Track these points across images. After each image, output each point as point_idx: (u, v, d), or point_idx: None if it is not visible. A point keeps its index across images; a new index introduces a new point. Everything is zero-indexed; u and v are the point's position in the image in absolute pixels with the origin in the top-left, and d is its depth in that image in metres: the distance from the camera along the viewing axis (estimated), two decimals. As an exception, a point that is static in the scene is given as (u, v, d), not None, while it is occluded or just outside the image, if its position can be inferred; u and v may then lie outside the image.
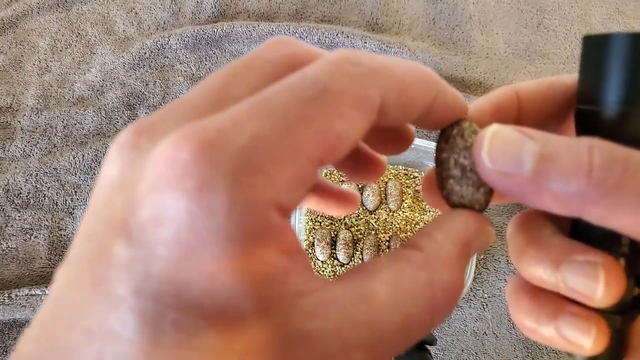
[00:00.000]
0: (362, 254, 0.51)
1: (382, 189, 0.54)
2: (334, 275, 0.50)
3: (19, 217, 0.54)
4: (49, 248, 0.52)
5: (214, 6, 0.66)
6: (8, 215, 0.54)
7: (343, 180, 0.55)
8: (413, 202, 0.54)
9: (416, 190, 0.55)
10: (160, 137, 0.08)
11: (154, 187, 0.08)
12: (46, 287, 0.48)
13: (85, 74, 0.63)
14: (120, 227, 0.08)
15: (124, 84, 0.62)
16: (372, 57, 0.10)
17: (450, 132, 0.12)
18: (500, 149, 0.11)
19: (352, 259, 0.51)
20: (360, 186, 0.54)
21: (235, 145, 0.08)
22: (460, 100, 0.12)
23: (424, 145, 0.51)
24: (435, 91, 0.11)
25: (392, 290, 0.09)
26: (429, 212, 0.54)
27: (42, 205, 0.54)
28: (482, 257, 0.54)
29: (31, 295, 0.48)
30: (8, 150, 0.58)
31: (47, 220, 0.54)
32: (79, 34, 0.65)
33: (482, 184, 0.12)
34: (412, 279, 0.10)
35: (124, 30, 0.66)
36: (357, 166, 0.14)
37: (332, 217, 0.53)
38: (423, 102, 0.11)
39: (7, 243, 0.52)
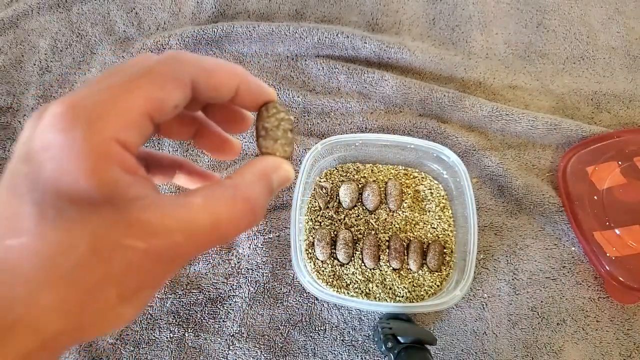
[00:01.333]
0: (362, 254, 0.51)
1: (382, 189, 0.54)
2: (333, 275, 0.50)
3: (20, 217, 0.54)
4: (49, 248, 0.53)
5: (214, 6, 0.66)
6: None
7: (343, 180, 0.55)
8: (413, 202, 0.54)
9: (416, 190, 0.55)
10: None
11: (42, 129, 0.13)
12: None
13: (85, 74, 0.63)
14: (24, 156, 0.13)
15: (124, 84, 0.62)
16: (191, 55, 0.15)
17: (261, 109, 0.18)
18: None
19: (352, 258, 0.51)
20: (360, 186, 0.54)
21: (87, 105, 0.13)
22: (264, 87, 0.17)
23: (424, 146, 0.51)
24: (238, 79, 0.16)
25: (205, 200, 0.14)
26: (429, 212, 0.54)
27: (43, 205, 0.55)
28: (482, 257, 0.54)
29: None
30: (8, 151, 0.58)
31: (47, 220, 0.54)
32: (79, 34, 0.65)
33: (279, 138, 0.18)
34: (221, 194, 0.15)
35: (124, 31, 0.66)
36: (223, 124, 0.19)
37: (332, 217, 0.53)
38: (228, 86, 0.16)
39: (7, 243, 0.52)
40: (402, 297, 0.49)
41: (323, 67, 0.62)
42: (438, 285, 0.50)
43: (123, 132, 0.13)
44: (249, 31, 0.61)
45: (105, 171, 0.13)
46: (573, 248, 0.55)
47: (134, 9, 0.67)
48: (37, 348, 0.13)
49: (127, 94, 0.14)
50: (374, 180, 0.55)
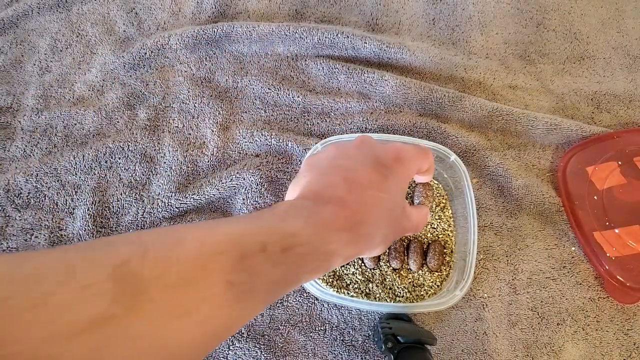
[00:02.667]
0: (362, 254, 0.51)
1: (382, 189, 0.54)
2: (333, 274, 0.50)
3: (20, 217, 0.54)
4: (50, 248, 0.52)
5: (214, 6, 0.66)
6: (8, 216, 0.54)
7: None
8: (412, 203, 0.54)
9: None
10: None
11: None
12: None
13: (85, 74, 0.63)
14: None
15: (124, 84, 0.62)
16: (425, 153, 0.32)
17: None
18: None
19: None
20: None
21: (407, 155, 0.30)
22: (432, 173, 0.34)
23: (424, 146, 0.51)
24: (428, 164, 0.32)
25: (418, 214, 0.33)
26: (429, 212, 0.54)
27: (43, 205, 0.55)
28: (482, 257, 0.54)
29: (31, 295, 0.48)
30: (8, 151, 0.58)
31: (47, 220, 0.54)
32: (79, 34, 0.65)
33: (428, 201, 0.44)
34: (419, 213, 0.33)
35: (124, 31, 0.66)
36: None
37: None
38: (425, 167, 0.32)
39: (7, 243, 0.52)
40: (402, 297, 0.49)
41: (323, 67, 0.62)
42: (438, 286, 0.50)
43: (415, 172, 0.31)
44: (249, 31, 0.61)
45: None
46: (573, 248, 0.55)
47: (134, 9, 0.67)
48: (360, 252, 0.25)
49: (412, 163, 0.30)
50: (374, 180, 0.55)
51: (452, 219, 0.53)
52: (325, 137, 0.53)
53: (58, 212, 0.54)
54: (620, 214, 0.53)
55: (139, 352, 0.16)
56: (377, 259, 0.50)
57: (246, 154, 0.58)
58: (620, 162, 0.55)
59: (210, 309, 0.18)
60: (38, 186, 0.55)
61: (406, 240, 0.52)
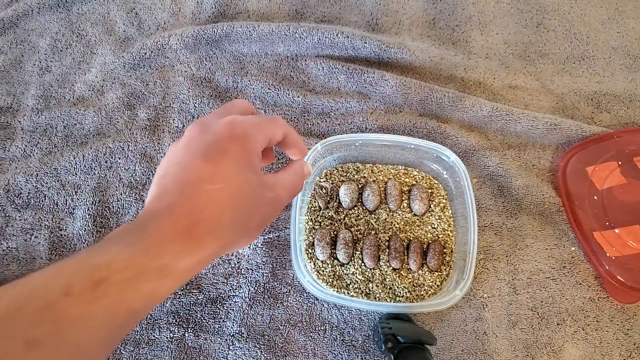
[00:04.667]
0: (362, 254, 0.51)
1: (382, 189, 0.54)
2: (333, 274, 0.50)
3: (20, 217, 0.54)
4: (50, 248, 0.52)
5: (214, 6, 0.66)
6: (8, 215, 0.54)
7: (343, 180, 0.55)
8: (410, 207, 0.54)
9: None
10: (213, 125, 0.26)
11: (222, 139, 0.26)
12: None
13: (85, 74, 0.63)
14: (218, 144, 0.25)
15: (124, 84, 0.62)
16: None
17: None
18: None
19: (352, 258, 0.51)
20: (360, 186, 0.54)
21: (249, 132, 0.26)
22: (300, 142, 0.31)
23: (424, 146, 0.51)
24: (282, 132, 0.29)
25: (287, 175, 0.30)
26: (429, 212, 0.54)
27: (43, 205, 0.55)
28: (482, 257, 0.54)
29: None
30: (8, 151, 0.58)
31: (47, 220, 0.54)
32: (79, 34, 0.65)
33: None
34: (291, 172, 0.30)
35: (124, 31, 0.66)
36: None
37: (332, 217, 0.53)
38: (278, 136, 0.29)
39: (7, 243, 0.52)
40: (402, 297, 0.49)
41: (323, 67, 0.62)
42: (438, 285, 0.50)
43: (260, 146, 0.27)
44: (249, 31, 0.61)
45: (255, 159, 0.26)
46: (573, 248, 0.55)
47: (134, 9, 0.67)
48: (216, 252, 0.23)
49: (263, 128, 0.27)
50: (374, 180, 0.55)
51: (452, 219, 0.53)
52: (325, 137, 0.53)
53: (58, 212, 0.54)
54: (620, 214, 0.53)
55: None
56: (377, 258, 0.50)
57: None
58: (620, 162, 0.55)
59: None
60: (38, 186, 0.55)
61: (406, 240, 0.52)
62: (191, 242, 0.22)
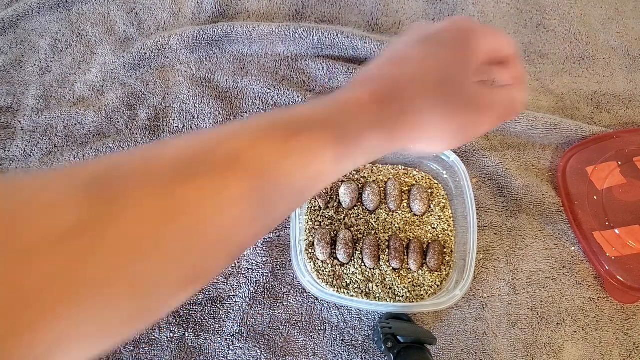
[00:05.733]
0: (362, 254, 0.51)
1: (382, 189, 0.54)
2: (333, 274, 0.50)
3: (20, 217, 0.54)
4: (50, 248, 0.52)
5: (214, 7, 0.66)
6: (8, 215, 0.54)
7: (343, 180, 0.55)
8: (410, 207, 0.54)
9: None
10: None
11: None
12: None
13: (85, 74, 0.63)
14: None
15: (125, 84, 0.62)
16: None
17: None
18: None
19: (352, 258, 0.51)
20: (360, 186, 0.54)
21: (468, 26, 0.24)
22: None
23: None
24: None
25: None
26: (429, 212, 0.54)
27: (43, 205, 0.55)
28: (482, 257, 0.54)
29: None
30: (8, 150, 0.58)
31: (47, 220, 0.54)
32: (80, 34, 0.65)
33: None
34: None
35: (124, 31, 0.66)
36: None
37: (332, 217, 0.53)
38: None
39: (7, 243, 0.52)
40: (402, 297, 0.49)
41: (323, 67, 0.62)
42: (438, 285, 0.50)
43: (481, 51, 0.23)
44: (249, 31, 0.62)
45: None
46: (573, 248, 0.55)
47: (134, 9, 0.67)
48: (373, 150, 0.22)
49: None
50: (373, 180, 0.55)
51: (452, 219, 0.53)
52: (325, 137, 0.53)
53: (58, 212, 0.54)
54: (620, 214, 0.53)
55: (120, 261, 0.14)
56: (377, 258, 0.50)
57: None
58: (620, 162, 0.55)
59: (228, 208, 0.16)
60: (38, 186, 0.55)
61: (406, 240, 0.52)
62: (385, 113, 0.21)
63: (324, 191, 0.54)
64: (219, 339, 0.50)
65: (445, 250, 0.52)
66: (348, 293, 0.49)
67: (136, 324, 0.15)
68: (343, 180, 0.55)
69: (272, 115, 0.20)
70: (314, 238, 0.51)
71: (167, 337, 0.49)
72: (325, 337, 0.50)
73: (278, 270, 0.52)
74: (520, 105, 0.25)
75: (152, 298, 0.16)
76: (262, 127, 0.19)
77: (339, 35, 0.61)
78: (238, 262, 0.53)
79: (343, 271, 0.50)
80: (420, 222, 0.53)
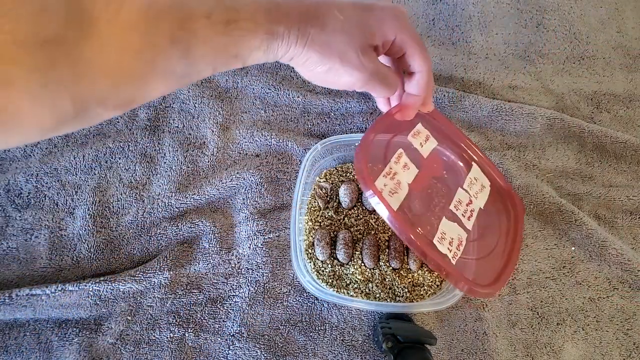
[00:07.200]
0: (361, 254, 0.51)
1: (382, 189, 0.54)
2: (333, 274, 0.50)
3: (20, 217, 0.54)
4: (50, 248, 0.53)
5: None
6: (9, 215, 0.54)
7: (343, 180, 0.55)
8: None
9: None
10: None
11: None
12: (47, 287, 0.48)
13: (85, 74, 0.63)
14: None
15: (124, 84, 0.62)
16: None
17: None
18: None
19: (352, 258, 0.51)
20: (360, 186, 0.54)
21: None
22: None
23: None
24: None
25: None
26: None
27: (43, 205, 0.55)
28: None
29: (32, 295, 0.48)
30: (8, 150, 0.58)
31: (47, 220, 0.54)
32: (80, 34, 0.65)
33: None
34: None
35: (124, 31, 0.66)
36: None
37: (332, 217, 0.53)
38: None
39: (7, 243, 0.53)
40: (402, 297, 0.49)
41: (323, 67, 0.62)
42: (438, 285, 0.50)
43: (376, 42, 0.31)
44: (249, 31, 0.61)
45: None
46: (573, 248, 0.55)
47: (134, 9, 0.67)
48: (292, 51, 0.28)
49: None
50: (373, 180, 0.55)
51: (452, 219, 0.53)
52: (325, 137, 0.53)
53: (58, 212, 0.54)
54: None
55: (86, 72, 0.19)
56: (377, 258, 0.50)
57: (246, 154, 0.58)
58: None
59: (154, 54, 0.22)
60: (38, 186, 0.55)
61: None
62: (305, 22, 0.27)
63: (324, 191, 0.54)
64: (219, 339, 0.50)
65: (445, 250, 0.52)
66: (348, 293, 0.49)
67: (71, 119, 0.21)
68: (343, 181, 0.55)
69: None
70: (313, 238, 0.51)
71: (167, 337, 0.49)
72: (325, 337, 0.50)
73: (278, 270, 0.52)
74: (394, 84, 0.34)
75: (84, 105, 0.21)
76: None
77: (338, 35, 0.61)
78: (238, 262, 0.53)
79: (343, 271, 0.50)
80: (420, 222, 0.53)
